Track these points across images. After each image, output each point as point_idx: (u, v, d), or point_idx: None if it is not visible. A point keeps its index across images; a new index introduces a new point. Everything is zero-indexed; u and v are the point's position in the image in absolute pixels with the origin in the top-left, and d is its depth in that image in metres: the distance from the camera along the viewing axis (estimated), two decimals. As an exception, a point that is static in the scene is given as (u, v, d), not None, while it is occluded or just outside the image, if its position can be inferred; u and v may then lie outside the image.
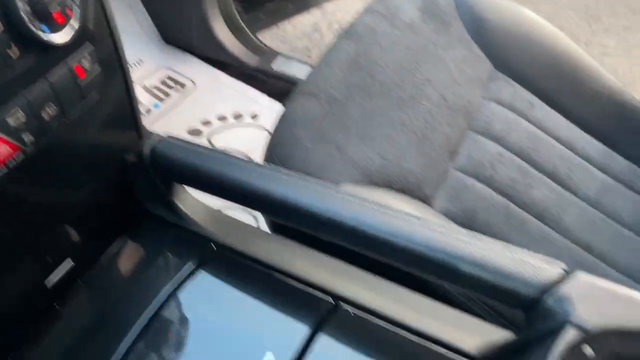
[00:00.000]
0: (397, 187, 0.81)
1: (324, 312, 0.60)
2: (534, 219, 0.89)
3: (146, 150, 0.63)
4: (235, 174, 0.60)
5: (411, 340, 0.58)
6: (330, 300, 0.61)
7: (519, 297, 0.51)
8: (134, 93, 0.62)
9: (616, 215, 0.97)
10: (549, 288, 0.50)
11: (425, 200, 0.83)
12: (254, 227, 0.70)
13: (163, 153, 0.63)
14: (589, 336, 0.46)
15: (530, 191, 0.92)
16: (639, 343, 0.45)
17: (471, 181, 0.89)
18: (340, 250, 0.63)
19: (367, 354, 0.57)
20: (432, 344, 0.57)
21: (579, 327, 0.47)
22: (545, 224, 0.90)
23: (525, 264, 0.52)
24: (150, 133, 0.66)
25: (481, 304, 0.69)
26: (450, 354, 0.56)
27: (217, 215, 0.71)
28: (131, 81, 0.61)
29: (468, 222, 0.83)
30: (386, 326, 0.59)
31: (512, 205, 0.89)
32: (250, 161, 0.63)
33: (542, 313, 0.50)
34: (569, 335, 0.46)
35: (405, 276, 0.69)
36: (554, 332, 0.47)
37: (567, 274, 0.52)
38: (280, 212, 0.60)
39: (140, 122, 0.65)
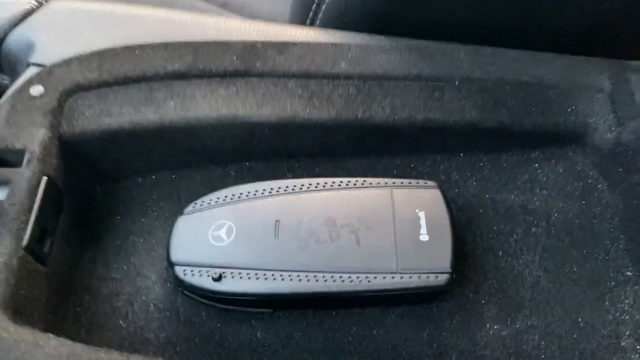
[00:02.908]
0: None
1: None
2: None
3: None
4: None
5: None
6: None
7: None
8: None
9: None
10: (9, 28, 0.37)
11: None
12: None
13: None
14: (42, 72, 0.34)
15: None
16: (104, 62, 0.34)
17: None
18: None
19: None
20: None
21: (40, 65, 0.35)
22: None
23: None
24: None
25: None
26: None
27: None
28: None
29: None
30: None
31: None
32: None
33: (9, 63, 0.37)
34: (25, 77, 0.34)
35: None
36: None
37: (41, 5, 0.38)
38: None
39: None
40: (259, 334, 0.31)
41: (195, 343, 0.31)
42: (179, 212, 0.34)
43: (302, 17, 0.45)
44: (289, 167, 0.37)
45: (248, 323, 0.32)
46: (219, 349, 0.31)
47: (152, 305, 0.32)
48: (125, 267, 0.33)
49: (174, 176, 0.37)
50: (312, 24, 0.45)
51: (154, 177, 0.36)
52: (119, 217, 0.35)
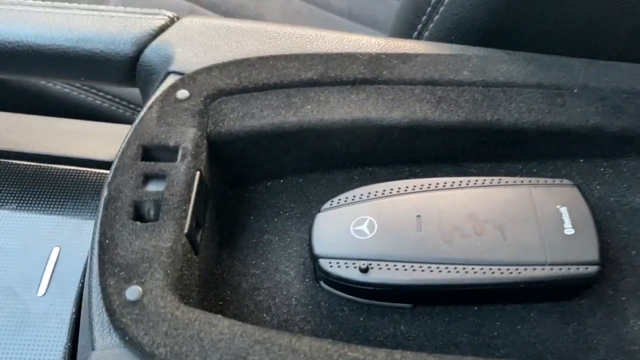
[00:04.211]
0: None
1: None
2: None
3: None
4: None
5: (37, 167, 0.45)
6: None
7: (113, 61, 0.39)
8: None
9: (324, 2, 0.91)
10: (148, 41, 0.39)
11: None
12: None
13: None
14: (186, 78, 0.36)
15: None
16: (242, 71, 0.36)
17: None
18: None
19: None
20: (60, 165, 0.46)
21: (179, 74, 0.37)
22: (243, 22, 0.81)
23: (115, 20, 0.40)
24: None
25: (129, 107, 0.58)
26: (81, 169, 0.45)
27: None
28: None
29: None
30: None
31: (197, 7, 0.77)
32: None
33: (146, 73, 0.39)
34: (166, 85, 0.36)
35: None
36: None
37: (174, 21, 0.41)
38: None
39: None
40: (402, 327, 0.31)
41: (340, 336, 0.31)
42: (310, 213, 0.35)
43: (407, 34, 0.47)
44: (411, 173, 0.38)
45: (390, 317, 0.32)
46: (365, 342, 0.31)
47: (293, 300, 0.33)
48: (263, 264, 0.34)
49: (301, 180, 0.38)
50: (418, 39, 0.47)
51: (281, 180, 0.38)
52: (252, 217, 0.36)
